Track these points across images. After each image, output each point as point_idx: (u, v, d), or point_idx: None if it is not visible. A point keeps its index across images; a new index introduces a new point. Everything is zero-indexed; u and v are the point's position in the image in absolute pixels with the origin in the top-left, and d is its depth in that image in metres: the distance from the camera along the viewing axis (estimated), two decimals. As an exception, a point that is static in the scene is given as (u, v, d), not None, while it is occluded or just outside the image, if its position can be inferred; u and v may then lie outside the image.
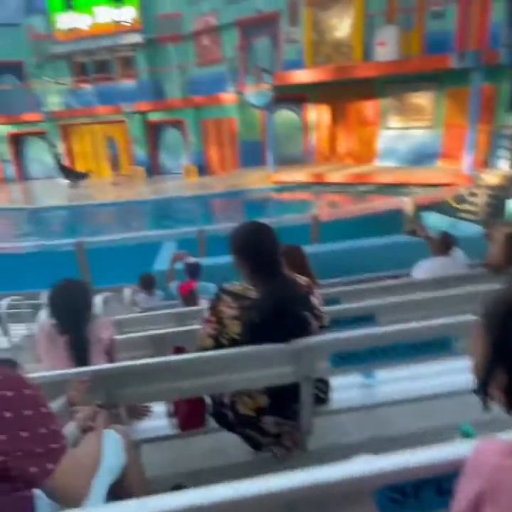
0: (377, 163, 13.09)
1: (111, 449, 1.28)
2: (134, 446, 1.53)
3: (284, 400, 1.73)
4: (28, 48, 17.85)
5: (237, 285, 1.70)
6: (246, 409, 1.73)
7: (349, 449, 1.85)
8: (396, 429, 2.03)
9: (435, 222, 6.02)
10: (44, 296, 4.75)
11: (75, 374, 1.66)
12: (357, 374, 2.01)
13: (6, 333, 4.26)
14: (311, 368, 1.66)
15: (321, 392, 1.83)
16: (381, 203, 9.46)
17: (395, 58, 10.63)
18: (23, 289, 6.02)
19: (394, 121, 12.68)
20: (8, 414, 0.92)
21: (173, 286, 4.61)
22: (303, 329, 1.64)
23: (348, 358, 1.72)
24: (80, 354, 1.99)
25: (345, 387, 2.00)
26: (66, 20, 16.81)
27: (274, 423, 1.73)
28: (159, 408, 2.02)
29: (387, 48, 10.60)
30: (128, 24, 16.25)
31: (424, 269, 3.60)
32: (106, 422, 1.37)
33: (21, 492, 1.03)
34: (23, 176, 18.80)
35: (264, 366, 1.65)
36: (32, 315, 4.95)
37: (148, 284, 5.07)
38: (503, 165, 10.02)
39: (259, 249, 1.68)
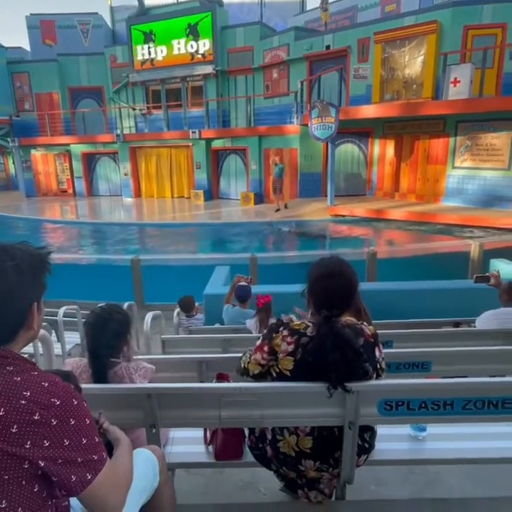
0: (444, 202, 12.61)
1: (143, 469, 1.28)
2: (167, 470, 1.51)
3: (328, 445, 1.65)
4: (109, 76, 19.55)
5: (297, 321, 1.66)
6: (287, 449, 1.66)
7: (389, 505, 1.72)
8: (442, 492, 1.86)
9: (505, 270, 5.62)
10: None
11: (113, 390, 1.69)
12: (406, 425, 1.87)
13: (59, 340, 4.48)
14: (356, 413, 1.57)
15: (366, 441, 1.71)
16: (443, 244, 9.06)
17: (468, 97, 10.34)
18: (79, 298, 6.40)
19: (464, 161, 12.23)
20: (54, 422, 0.95)
21: (229, 308, 4.65)
22: (358, 378, 1.57)
23: (398, 408, 1.61)
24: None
25: (392, 438, 1.87)
26: (144, 52, 18.18)
27: (314, 467, 1.65)
28: (196, 434, 2.00)
29: (460, 86, 10.36)
30: (201, 56, 17.25)
31: (491, 319, 3.36)
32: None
33: (59, 500, 1.05)
34: (92, 192, 20.18)
35: (309, 406, 1.59)
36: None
37: (186, 306, 5.14)
38: None
39: (329, 287, 1.63)
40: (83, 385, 1.52)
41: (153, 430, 1.68)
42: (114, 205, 17.66)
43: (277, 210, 13.80)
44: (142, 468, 1.29)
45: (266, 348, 1.63)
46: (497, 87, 11.43)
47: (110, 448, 1.22)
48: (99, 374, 1.79)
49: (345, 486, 1.73)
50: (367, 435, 1.71)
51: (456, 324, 3.95)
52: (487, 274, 3.87)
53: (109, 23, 22.13)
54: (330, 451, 1.65)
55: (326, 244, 11.10)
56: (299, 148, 14.80)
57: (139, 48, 18.21)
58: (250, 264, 7.23)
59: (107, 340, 1.81)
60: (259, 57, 16.52)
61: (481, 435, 1.87)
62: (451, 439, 1.88)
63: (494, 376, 2.57)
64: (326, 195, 13.66)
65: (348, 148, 14.76)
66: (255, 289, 5.29)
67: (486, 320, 3.37)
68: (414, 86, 12.35)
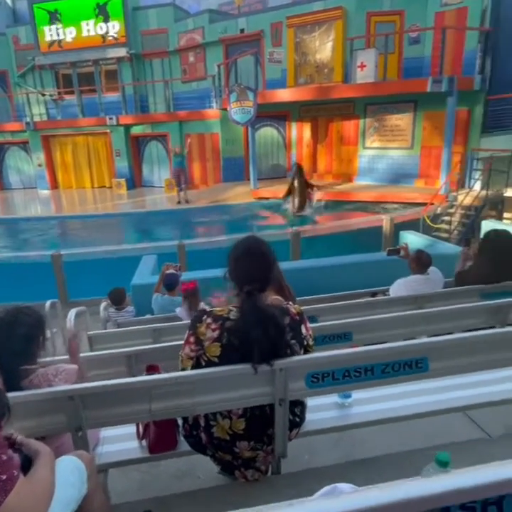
0: (357, 181, 13.33)
1: (69, 478, 1.21)
2: (97, 473, 1.45)
3: (261, 424, 1.68)
4: (12, 58, 17.74)
5: (219, 307, 1.66)
6: (221, 433, 1.67)
7: (323, 472, 1.82)
8: (370, 451, 2.00)
9: (412, 240, 6.12)
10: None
11: (30, 396, 1.57)
12: (333, 394, 1.98)
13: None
14: (285, 389, 1.62)
15: (297, 416, 1.78)
16: (361, 221, 9.60)
17: (374, 81, 10.93)
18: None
19: (373, 141, 12.99)
20: None
21: (158, 297, 4.55)
22: (285, 356, 1.61)
23: (324, 379, 1.68)
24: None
25: (320, 408, 1.96)
26: (52, 33, 16.79)
27: (248, 447, 1.68)
28: (128, 430, 1.93)
29: (366, 70, 10.91)
30: (113, 39, 16.32)
31: (402, 286, 3.65)
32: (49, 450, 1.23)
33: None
34: (2, 185, 18.46)
35: (239, 388, 1.60)
36: None
37: (117, 299, 4.97)
38: (476, 186, 10.33)
39: (247, 263, 1.65)
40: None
41: (80, 433, 1.60)
42: (28, 199, 16.35)
43: (178, 202, 13.16)
44: (67, 477, 1.22)
45: (192, 339, 1.63)
46: (398, 71, 12.24)
47: (30, 462, 1.13)
48: (10, 385, 1.55)
49: (280, 461, 1.79)
50: (297, 409, 1.78)
51: (373, 294, 4.23)
52: (398, 246, 4.18)
53: (9, 1, 19.96)
54: (263, 429, 1.69)
55: (253, 226, 11.20)
56: (220, 132, 14.70)
57: (45, 28, 16.73)
58: (178, 251, 7.11)
59: (14, 346, 1.60)
60: (174, 40, 16.00)
61: (399, 395, 2.03)
62: (374, 401, 2.02)
63: (409, 339, 2.81)
64: (248, 179, 13.77)
65: (268, 132, 14.94)
66: (185, 276, 5.23)
67: (397, 288, 3.65)
68: (326, 70, 12.76)
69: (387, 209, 10.81)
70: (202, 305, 3.75)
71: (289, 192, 11.73)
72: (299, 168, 11.76)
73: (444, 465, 0.99)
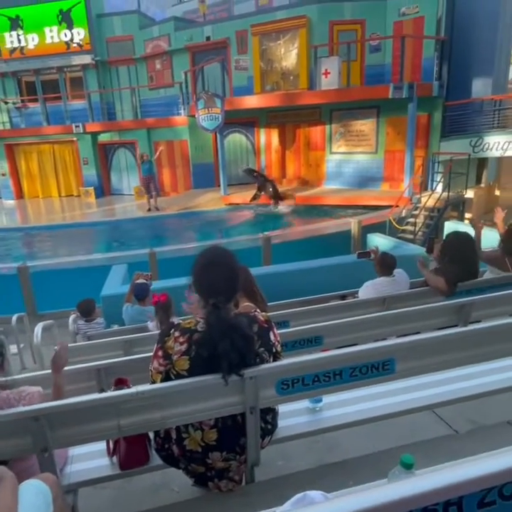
0: (326, 186, 13.56)
1: (33, 502, 1.17)
2: (63, 495, 1.40)
3: (233, 434, 1.67)
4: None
5: (187, 320, 1.64)
6: (193, 445, 1.65)
7: (297, 478, 1.83)
8: (343, 454, 2.03)
9: (379, 243, 6.27)
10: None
11: None
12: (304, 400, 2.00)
13: None
14: (256, 397, 1.63)
15: (269, 423, 1.79)
16: (329, 224, 9.76)
17: (338, 87, 11.19)
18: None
19: (340, 146, 13.26)
20: None
21: (128, 307, 4.46)
22: (255, 365, 1.60)
23: (294, 385, 1.70)
24: None
25: (292, 414, 1.97)
26: (14, 40, 16.36)
27: (221, 458, 1.67)
28: (97, 447, 1.89)
29: (330, 77, 11.15)
30: (78, 46, 16.04)
31: (370, 288, 3.73)
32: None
33: None
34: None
35: (210, 398, 1.60)
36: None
37: (86, 310, 4.86)
38: (438, 188, 10.71)
39: (212, 275, 1.62)
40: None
41: (46, 454, 1.55)
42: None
43: (148, 210, 13.03)
44: (31, 501, 1.18)
45: (160, 353, 1.61)
46: (361, 78, 12.60)
47: None
48: None
49: (253, 469, 1.79)
50: (269, 417, 1.78)
51: (343, 297, 4.30)
52: (367, 250, 4.27)
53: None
54: (235, 439, 1.68)
55: (222, 232, 11.20)
56: (189, 139, 14.66)
57: (6, 35, 16.29)
58: (149, 259, 7.02)
59: None
60: (140, 48, 15.88)
61: (369, 396, 2.07)
62: (344, 405, 2.05)
63: (378, 340, 2.88)
64: (219, 185, 13.77)
65: (236, 138, 15.01)
66: (157, 284, 5.15)
67: (366, 290, 3.73)
68: (292, 77, 12.97)
69: (357, 213, 11.04)
70: (175, 320, 3.68)
71: (255, 197, 12.31)
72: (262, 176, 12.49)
73: (408, 467, 1.02)
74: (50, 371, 2.80)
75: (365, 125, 12.63)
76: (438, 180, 10.96)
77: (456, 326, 2.91)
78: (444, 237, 3.92)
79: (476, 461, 0.91)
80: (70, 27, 15.96)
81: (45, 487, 1.27)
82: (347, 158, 13.16)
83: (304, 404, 2.01)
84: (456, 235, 3.59)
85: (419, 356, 1.87)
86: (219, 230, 11.51)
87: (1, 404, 1.58)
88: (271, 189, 12.08)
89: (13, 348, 5.01)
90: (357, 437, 2.17)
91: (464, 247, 3.43)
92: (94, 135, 16.07)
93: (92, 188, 16.16)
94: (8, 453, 1.55)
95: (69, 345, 4.11)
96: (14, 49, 16.53)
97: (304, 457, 2.12)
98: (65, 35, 16.07)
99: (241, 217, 12.38)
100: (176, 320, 1.68)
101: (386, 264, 3.72)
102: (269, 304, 2.79)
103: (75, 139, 16.09)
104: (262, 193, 12.28)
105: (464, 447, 1.97)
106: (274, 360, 1.71)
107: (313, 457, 2.13)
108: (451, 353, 1.92)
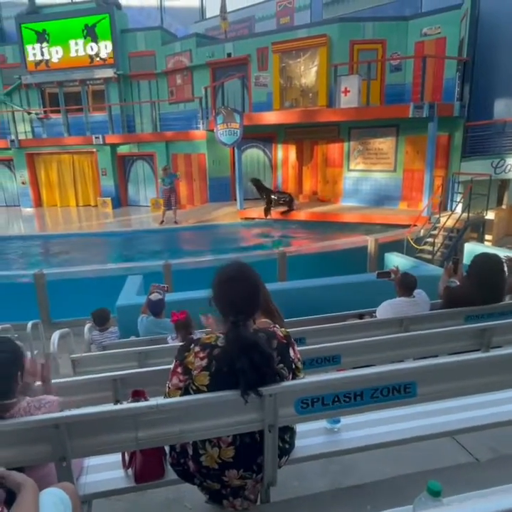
0: (343, 203, 13.54)
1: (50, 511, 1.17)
2: (81, 505, 1.40)
3: (251, 452, 1.65)
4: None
5: (207, 334, 1.64)
6: (210, 462, 1.63)
7: (313, 499, 1.79)
8: (359, 477, 1.99)
9: (397, 262, 6.21)
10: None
11: (14, 425, 1.52)
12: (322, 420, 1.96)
13: None
14: (275, 415, 1.61)
15: (287, 442, 1.76)
16: (346, 241, 9.73)
17: (357, 106, 11.26)
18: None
19: (357, 164, 13.27)
20: None
21: (143, 319, 4.47)
22: (274, 382, 1.59)
23: (314, 405, 1.68)
24: None
25: (309, 434, 1.94)
26: (39, 52, 16.90)
27: (237, 476, 1.64)
28: (113, 458, 1.88)
29: (350, 95, 11.24)
30: (101, 60, 16.51)
31: (388, 308, 3.68)
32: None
33: None
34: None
35: (228, 415, 1.58)
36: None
37: (100, 320, 4.90)
38: (458, 208, 10.59)
39: (232, 292, 1.61)
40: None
41: (64, 463, 1.55)
42: (12, 216, 16.16)
43: (161, 222, 12.98)
44: (52, 510, 1.18)
45: (180, 369, 1.60)
46: (381, 97, 12.66)
47: (13, 496, 1.09)
48: None
49: (269, 489, 1.76)
50: (287, 436, 1.75)
51: (360, 316, 4.24)
52: (388, 269, 4.21)
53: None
54: (253, 457, 1.66)
55: (239, 246, 11.24)
56: (207, 153, 14.83)
57: (32, 48, 16.86)
58: (164, 271, 7.07)
59: None
60: (162, 63, 16.25)
61: (388, 419, 2.03)
62: (363, 427, 2.00)
63: (395, 361, 2.83)
64: (235, 199, 13.86)
65: (254, 153, 15.15)
66: (172, 296, 5.17)
67: (383, 310, 3.68)
68: (311, 94, 13.09)
69: (373, 231, 11.00)
70: (196, 334, 3.66)
71: (268, 211, 12.77)
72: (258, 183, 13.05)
73: (436, 494, 1.00)
74: (64, 379, 2.83)
75: (384, 143, 12.64)
76: (458, 200, 10.86)
77: (477, 350, 2.85)
78: (465, 259, 3.86)
79: (505, 493, 0.88)
80: (95, 41, 16.41)
81: (65, 496, 1.27)
82: (365, 176, 13.15)
83: (322, 424, 1.97)
84: (487, 257, 3.48)
85: (441, 380, 1.82)
86: (235, 243, 11.56)
87: (22, 414, 1.58)
88: (265, 197, 12.65)
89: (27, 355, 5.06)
90: (374, 460, 2.12)
91: (491, 268, 3.35)
92: (114, 147, 16.38)
93: (109, 198, 16.42)
94: (28, 460, 1.56)
95: (84, 354, 4.16)
96: (39, 61, 17.05)
97: (320, 478, 2.08)
98: (91, 48, 16.52)
99: (256, 231, 12.43)
100: (196, 334, 1.67)
101: (406, 284, 3.67)
102: (285, 320, 2.77)
103: (94, 150, 16.41)
104: (271, 205, 12.60)
105: (485, 476, 1.91)
106: (294, 378, 1.70)
107: (329, 479, 2.09)
108: (473, 379, 1.87)
